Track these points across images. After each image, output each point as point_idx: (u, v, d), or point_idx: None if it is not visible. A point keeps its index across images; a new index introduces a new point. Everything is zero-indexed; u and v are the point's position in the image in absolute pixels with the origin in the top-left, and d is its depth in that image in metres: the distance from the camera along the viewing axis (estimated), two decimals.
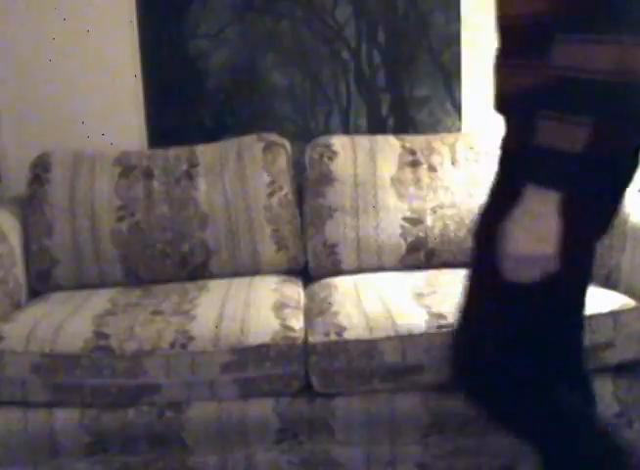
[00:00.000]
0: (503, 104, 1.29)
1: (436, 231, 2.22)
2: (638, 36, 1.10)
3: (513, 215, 1.17)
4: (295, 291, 2.13)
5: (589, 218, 1.26)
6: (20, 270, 2.18)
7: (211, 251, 2.25)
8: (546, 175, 1.13)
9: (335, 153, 2.28)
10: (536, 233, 1.15)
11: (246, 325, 1.84)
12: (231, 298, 2.03)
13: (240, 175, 2.27)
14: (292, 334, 1.83)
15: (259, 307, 1.94)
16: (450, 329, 1.63)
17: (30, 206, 2.26)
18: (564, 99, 1.10)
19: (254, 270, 2.27)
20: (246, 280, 2.19)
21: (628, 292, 1.91)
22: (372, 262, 2.25)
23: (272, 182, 2.27)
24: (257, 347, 1.79)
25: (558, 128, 1.10)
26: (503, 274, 1.20)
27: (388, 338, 1.79)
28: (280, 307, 1.95)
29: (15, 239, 2.18)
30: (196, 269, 2.25)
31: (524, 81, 1.21)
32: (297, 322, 1.88)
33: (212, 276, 2.25)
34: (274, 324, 1.85)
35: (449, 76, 2.48)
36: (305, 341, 1.83)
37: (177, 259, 2.24)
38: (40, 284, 2.25)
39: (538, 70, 1.13)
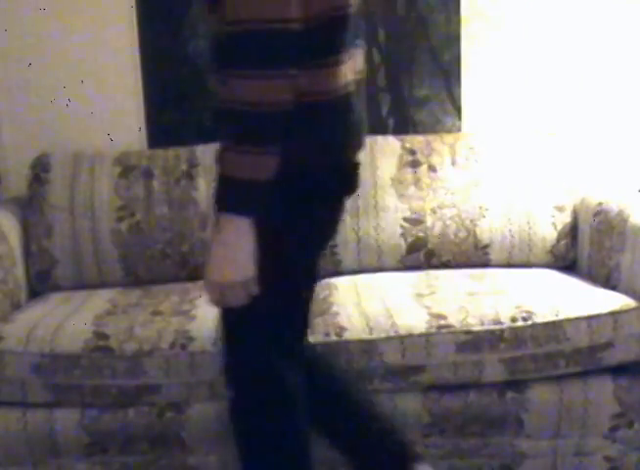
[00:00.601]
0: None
1: (436, 231, 2.22)
2: (287, 68, 1.14)
3: (212, 245, 1.21)
4: None
5: (291, 240, 1.30)
6: (19, 271, 2.18)
7: None
8: (235, 203, 1.18)
9: None
10: (234, 260, 1.19)
11: None
12: None
13: None
14: None
15: None
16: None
17: (30, 206, 2.26)
18: (241, 130, 1.15)
19: None
20: None
21: (628, 292, 1.91)
22: (372, 262, 2.24)
23: None
24: None
25: (240, 159, 1.15)
26: (211, 302, 1.26)
27: (388, 338, 1.79)
28: None
29: (15, 239, 2.18)
30: (196, 269, 2.25)
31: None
32: None
33: None
34: None
35: (449, 76, 2.48)
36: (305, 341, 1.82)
37: (177, 259, 2.24)
38: (40, 284, 2.25)
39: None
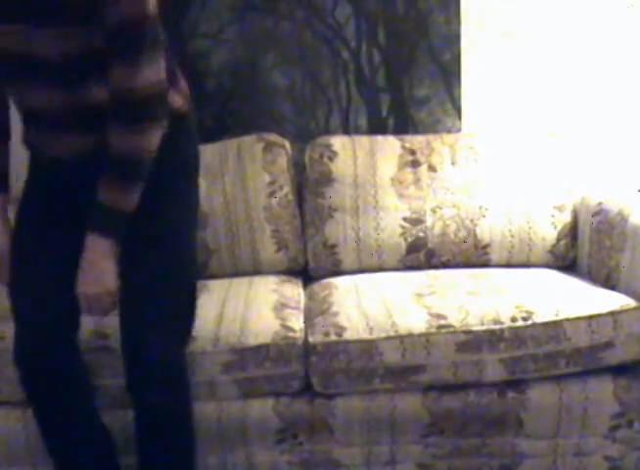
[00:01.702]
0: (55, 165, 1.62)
1: (436, 231, 2.22)
2: None
3: (82, 264, 1.45)
4: (295, 291, 2.13)
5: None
6: None
7: (211, 251, 2.25)
8: (106, 228, 1.44)
9: (335, 153, 2.28)
10: (100, 276, 1.45)
11: (246, 325, 1.84)
12: (231, 298, 2.03)
13: (240, 175, 2.27)
14: (292, 334, 1.83)
15: (259, 308, 1.94)
16: None
17: None
18: (122, 171, 1.42)
19: (254, 270, 2.27)
20: (246, 280, 2.19)
21: (628, 292, 1.91)
22: (372, 262, 2.25)
23: (272, 182, 2.27)
24: (257, 347, 1.79)
25: (121, 193, 1.42)
26: (84, 310, 1.51)
27: (388, 338, 1.79)
28: (280, 308, 1.95)
29: None
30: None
31: (82, 145, 1.51)
32: (297, 322, 1.88)
33: (212, 276, 2.25)
34: (274, 324, 1.85)
35: (449, 76, 2.48)
36: (305, 341, 1.83)
37: None
38: None
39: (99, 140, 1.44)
